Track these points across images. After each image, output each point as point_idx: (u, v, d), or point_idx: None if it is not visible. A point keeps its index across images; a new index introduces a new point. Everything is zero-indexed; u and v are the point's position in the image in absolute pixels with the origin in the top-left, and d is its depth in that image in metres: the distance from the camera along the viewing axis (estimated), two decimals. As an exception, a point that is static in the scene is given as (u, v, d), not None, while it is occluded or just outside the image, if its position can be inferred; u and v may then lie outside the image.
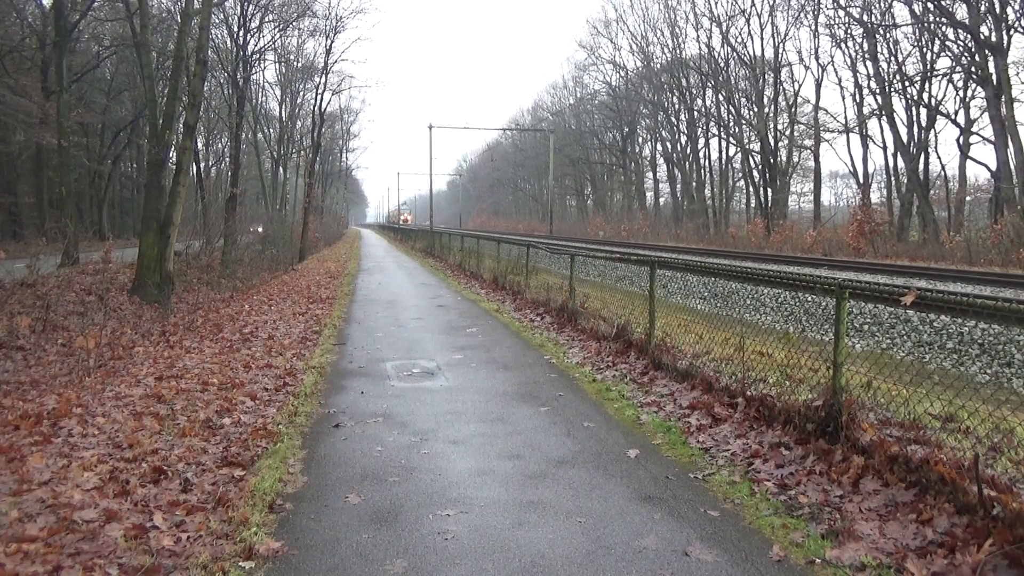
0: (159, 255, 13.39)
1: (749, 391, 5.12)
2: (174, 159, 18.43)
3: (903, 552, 3.02)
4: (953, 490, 3.30)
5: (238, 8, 25.58)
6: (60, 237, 20.37)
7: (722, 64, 42.21)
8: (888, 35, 30.89)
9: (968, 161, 28.75)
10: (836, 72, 61.74)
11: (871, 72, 32.00)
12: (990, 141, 26.13)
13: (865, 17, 31.10)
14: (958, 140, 28.46)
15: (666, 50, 47.81)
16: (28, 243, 24.54)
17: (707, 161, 48.26)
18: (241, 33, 26.10)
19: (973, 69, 26.23)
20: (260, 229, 30.50)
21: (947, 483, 3.35)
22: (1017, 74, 29.39)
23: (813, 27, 36.94)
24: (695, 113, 46.63)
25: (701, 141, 47.82)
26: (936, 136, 32.69)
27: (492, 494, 3.85)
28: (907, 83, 30.51)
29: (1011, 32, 25.03)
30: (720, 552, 3.16)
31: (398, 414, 5.50)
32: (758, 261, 19.13)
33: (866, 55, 31.89)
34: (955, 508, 3.22)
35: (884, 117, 31.33)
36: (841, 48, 34.08)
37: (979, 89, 26.48)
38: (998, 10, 25.01)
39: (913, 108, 30.69)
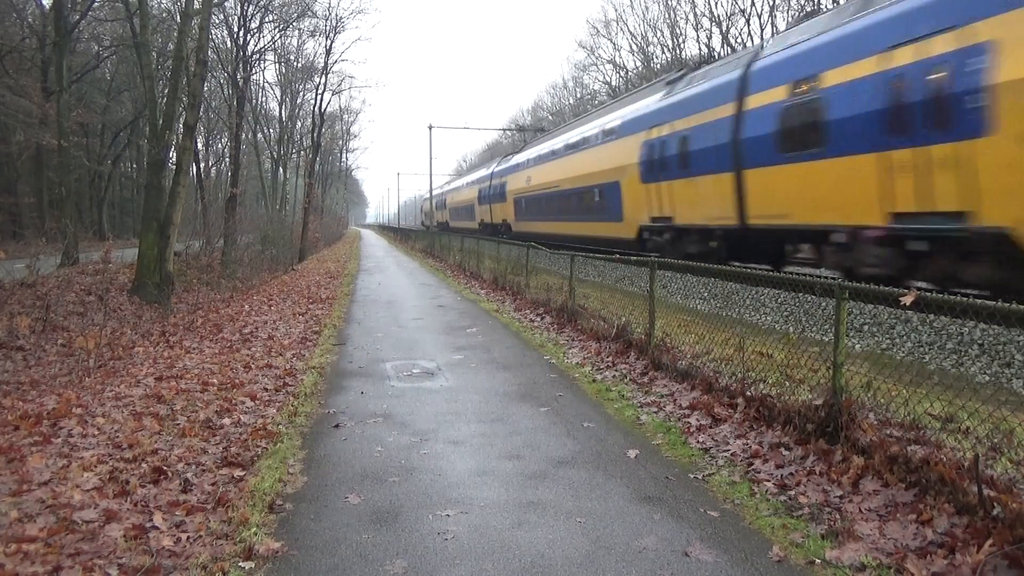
0: (159, 255, 13.40)
1: (749, 391, 5.12)
2: (174, 159, 18.44)
3: (903, 552, 3.02)
4: (953, 490, 3.30)
5: (238, 8, 25.63)
6: (60, 237, 20.41)
7: (722, 64, 42.15)
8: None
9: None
10: (836, 72, 61.61)
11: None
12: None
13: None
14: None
15: (666, 50, 47.84)
16: (28, 243, 24.58)
17: (707, 161, 48.13)
18: (241, 33, 26.15)
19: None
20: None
21: (947, 483, 3.35)
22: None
23: (813, 27, 36.80)
24: (695, 113, 46.53)
25: (701, 141, 47.72)
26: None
27: (492, 494, 3.85)
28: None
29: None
30: (720, 552, 3.16)
31: (398, 414, 5.50)
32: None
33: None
34: (955, 508, 3.22)
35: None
36: (842, 48, 33.82)
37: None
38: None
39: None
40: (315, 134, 32.89)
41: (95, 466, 4.06)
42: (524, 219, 27.45)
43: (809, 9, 33.77)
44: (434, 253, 28.39)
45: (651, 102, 16.28)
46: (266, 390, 6.18)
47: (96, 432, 4.75)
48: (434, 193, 59.45)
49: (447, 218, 46.47)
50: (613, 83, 55.35)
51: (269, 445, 4.67)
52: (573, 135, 22.57)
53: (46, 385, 6.88)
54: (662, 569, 3.01)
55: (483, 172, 36.95)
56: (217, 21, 25.66)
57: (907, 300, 3.76)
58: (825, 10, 17.92)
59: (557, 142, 24.39)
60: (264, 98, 45.60)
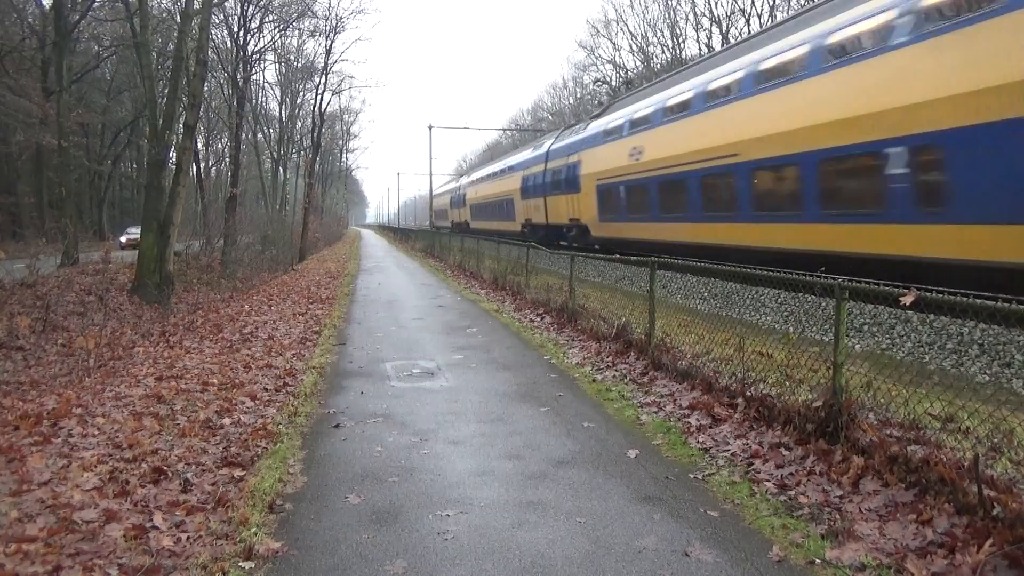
0: (159, 255, 13.42)
1: (749, 391, 5.11)
2: (174, 159, 18.45)
3: (903, 552, 3.02)
4: (953, 490, 3.30)
5: (238, 8, 25.65)
6: (60, 237, 20.44)
7: (722, 64, 42.10)
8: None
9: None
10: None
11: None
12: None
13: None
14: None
15: (666, 50, 47.86)
16: (28, 243, 24.63)
17: (707, 161, 48.07)
18: (241, 33, 26.18)
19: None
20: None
21: (947, 483, 3.35)
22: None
23: (813, 27, 36.75)
24: (695, 113, 46.49)
25: (701, 141, 47.68)
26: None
27: (492, 494, 3.85)
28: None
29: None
30: (720, 552, 3.16)
31: (398, 414, 5.50)
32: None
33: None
34: (955, 508, 3.22)
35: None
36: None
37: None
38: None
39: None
40: (315, 134, 32.94)
41: (95, 466, 4.06)
42: (624, 218, 17.40)
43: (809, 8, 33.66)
44: (434, 253, 28.41)
45: None
46: (266, 390, 6.18)
47: (96, 432, 4.75)
48: (448, 187, 47.85)
49: (467, 217, 35.56)
50: (613, 83, 55.35)
51: (269, 445, 4.67)
52: (788, 48, 11.34)
53: (46, 385, 6.88)
54: (662, 569, 3.01)
55: (528, 153, 26.61)
56: (217, 21, 25.69)
57: (907, 300, 3.76)
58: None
59: (719, 75, 13.33)
60: (264, 98, 45.67)
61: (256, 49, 28.61)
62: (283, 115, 43.03)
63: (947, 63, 8.10)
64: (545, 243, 18.88)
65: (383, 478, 4.11)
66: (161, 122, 14.47)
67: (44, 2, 30.18)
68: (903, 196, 8.87)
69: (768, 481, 3.91)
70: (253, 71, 30.42)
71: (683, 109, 14.53)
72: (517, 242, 16.41)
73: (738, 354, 5.62)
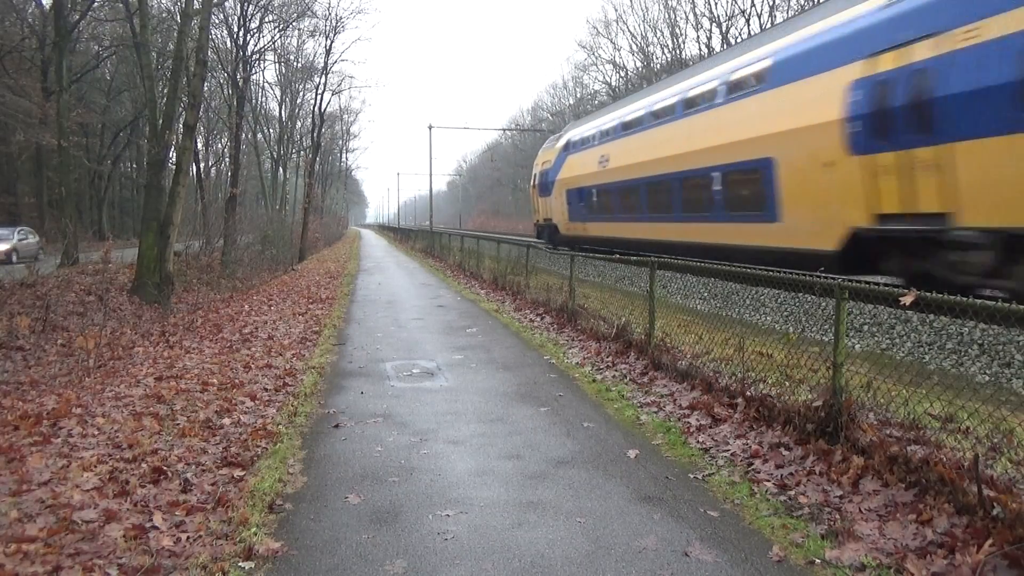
0: (159, 255, 13.41)
1: (749, 391, 5.11)
2: (174, 159, 18.44)
3: (903, 552, 3.02)
4: (953, 490, 3.30)
5: (238, 8, 25.63)
6: (60, 237, 20.43)
7: (722, 64, 42.07)
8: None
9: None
10: (836, 72, 61.56)
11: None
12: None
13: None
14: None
15: (666, 50, 47.87)
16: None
17: (707, 161, 48.07)
18: (241, 33, 26.15)
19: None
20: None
21: (947, 483, 3.35)
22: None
23: (813, 27, 36.74)
24: (695, 113, 46.50)
25: (701, 141, 47.68)
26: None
27: (492, 494, 3.85)
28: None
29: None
30: (720, 552, 3.16)
31: (398, 414, 5.50)
32: (760, 261, 18.73)
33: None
34: (955, 508, 3.22)
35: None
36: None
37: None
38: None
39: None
40: (315, 134, 32.94)
41: (95, 466, 4.06)
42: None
43: (808, 8, 33.56)
44: (434, 253, 28.39)
45: None
46: (266, 390, 6.18)
47: (96, 432, 4.75)
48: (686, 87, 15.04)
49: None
50: (613, 83, 55.36)
51: (269, 445, 4.67)
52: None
53: (46, 385, 6.88)
54: (662, 569, 3.01)
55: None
56: (217, 21, 25.68)
57: (907, 300, 3.76)
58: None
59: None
60: (264, 98, 45.73)
61: (256, 49, 28.61)
62: (283, 115, 43.08)
63: None
64: None
65: (383, 478, 4.11)
66: (161, 122, 14.46)
67: (44, 2, 30.21)
68: None
69: (768, 481, 3.91)
70: (253, 71, 30.43)
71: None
72: (517, 242, 16.61)
73: (738, 354, 5.62)
